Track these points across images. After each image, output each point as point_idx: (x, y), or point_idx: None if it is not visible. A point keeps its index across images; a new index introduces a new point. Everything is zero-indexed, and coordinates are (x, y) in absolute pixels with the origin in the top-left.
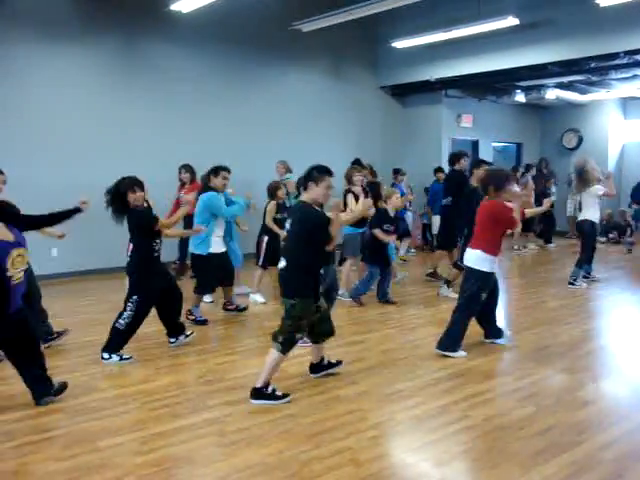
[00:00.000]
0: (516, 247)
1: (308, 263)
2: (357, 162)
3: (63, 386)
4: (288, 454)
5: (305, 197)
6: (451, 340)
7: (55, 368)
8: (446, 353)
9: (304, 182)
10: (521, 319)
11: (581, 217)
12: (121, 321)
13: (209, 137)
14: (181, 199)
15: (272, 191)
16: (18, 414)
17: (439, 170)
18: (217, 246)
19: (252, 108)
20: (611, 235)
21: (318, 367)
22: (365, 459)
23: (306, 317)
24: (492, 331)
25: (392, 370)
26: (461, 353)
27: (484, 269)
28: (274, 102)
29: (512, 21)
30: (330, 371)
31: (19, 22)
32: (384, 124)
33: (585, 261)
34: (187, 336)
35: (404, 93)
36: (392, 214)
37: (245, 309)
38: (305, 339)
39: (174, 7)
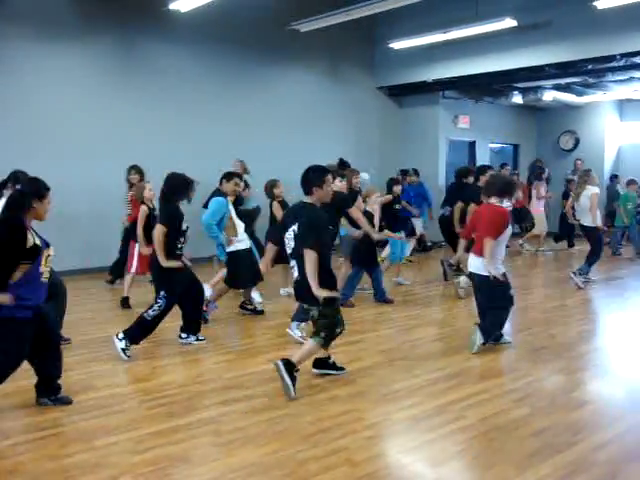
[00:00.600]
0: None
1: (322, 264)
2: (342, 163)
3: (66, 401)
4: (284, 454)
5: (310, 199)
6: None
7: None
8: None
9: (307, 187)
10: (517, 320)
11: (585, 223)
12: (150, 312)
13: (206, 136)
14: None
15: (269, 190)
16: (14, 413)
17: (405, 174)
18: (238, 244)
19: (250, 108)
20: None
21: (322, 363)
22: (361, 459)
23: (338, 311)
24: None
25: (389, 370)
26: (505, 339)
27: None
28: (272, 102)
29: (510, 22)
30: (331, 373)
31: (18, 21)
32: (381, 125)
33: (590, 263)
34: (198, 339)
35: (402, 94)
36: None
37: (262, 312)
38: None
39: (173, 6)
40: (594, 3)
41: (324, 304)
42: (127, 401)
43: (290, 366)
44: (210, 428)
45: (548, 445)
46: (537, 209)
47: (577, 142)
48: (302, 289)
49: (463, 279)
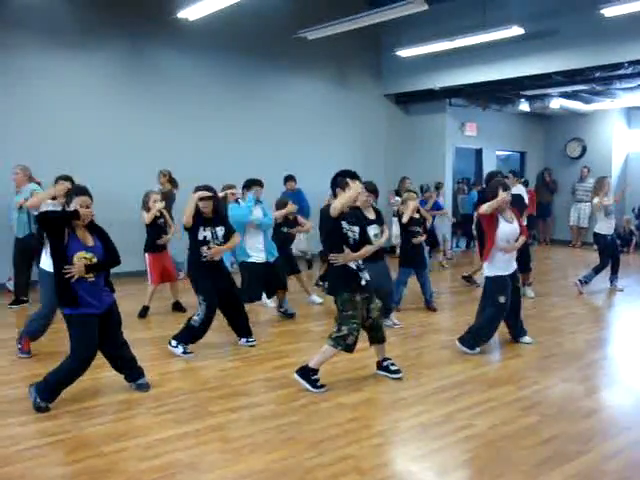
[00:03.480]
0: None
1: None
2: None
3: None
4: (292, 461)
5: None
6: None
7: None
8: (462, 348)
9: (332, 189)
10: (525, 328)
11: (596, 230)
12: (196, 318)
13: (214, 144)
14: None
15: (280, 206)
16: (23, 418)
17: (289, 178)
18: (256, 255)
19: (257, 115)
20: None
21: (379, 365)
22: (368, 467)
23: (352, 307)
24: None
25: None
26: (476, 350)
27: (489, 274)
28: (279, 109)
29: (517, 30)
30: (384, 374)
31: (27, 30)
32: (388, 132)
33: (596, 271)
34: (249, 341)
35: (408, 101)
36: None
37: (292, 315)
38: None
39: (181, 15)
40: (601, 11)
41: (337, 299)
42: (135, 407)
43: (304, 371)
44: (218, 435)
45: (557, 454)
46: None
47: (584, 150)
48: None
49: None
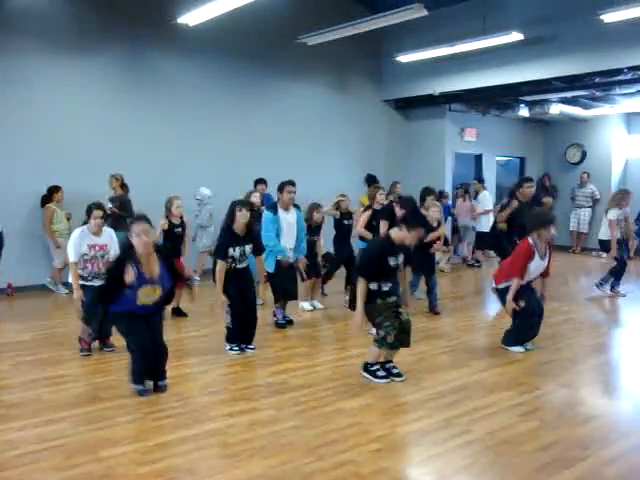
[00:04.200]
0: None
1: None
2: (370, 177)
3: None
4: (291, 466)
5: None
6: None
7: (58, 377)
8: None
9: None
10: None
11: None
12: (227, 320)
13: (214, 148)
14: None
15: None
16: (21, 423)
17: (260, 182)
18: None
19: (257, 120)
20: None
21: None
22: (368, 472)
23: (378, 313)
24: None
25: (395, 383)
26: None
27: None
28: (279, 115)
29: (516, 36)
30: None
31: (25, 33)
32: (388, 137)
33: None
34: (248, 348)
35: (408, 107)
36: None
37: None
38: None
39: (181, 20)
40: (601, 17)
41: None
42: (133, 412)
43: (365, 366)
44: (217, 440)
45: (556, 460)
46: None
47: (584, 155)
48: None
49: None
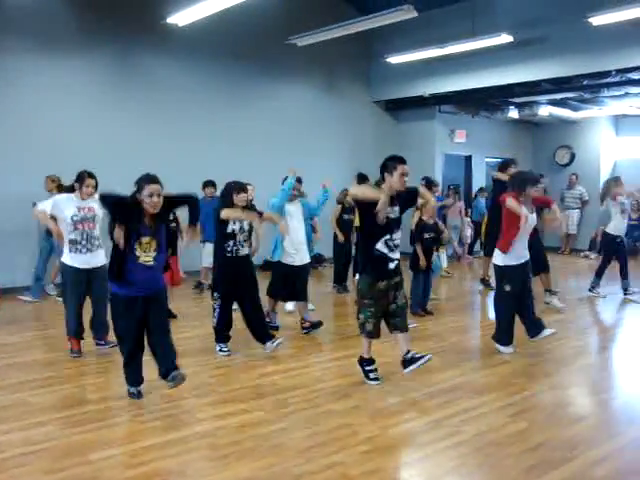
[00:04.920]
0: None
1: (365, 237)
2: (362, 177)
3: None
4: (279, 468)
5: (384, 187)
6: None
7: (45, 379)
8: (496, 345)
9: (380, 174)
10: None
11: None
12: (213, 319)
13: (202, 148)
14: None
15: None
16: (8, 426)
17: (208, 184)
18: (287, 257)
19: (246, 121)
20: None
21: (403, 362)
22: (356, 474)
23: (368, 296)
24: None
25: (384, 384)
26: (508, 349)
27: (498, 263)
28: (268, 115)
29: (506, 38)
30: (415, 367)
31: (15, 33)
32: (378, 139)
33: (597, 272)
34: (273, 342)
35: (398, 108)
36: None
37: (320, 324)
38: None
39: (170, 20)
40: (589, 20)
41: (359, 279)
42: (122, 414)
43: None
44: (205, 442)
45: (545, 461)
46: None
47: (573, 157)
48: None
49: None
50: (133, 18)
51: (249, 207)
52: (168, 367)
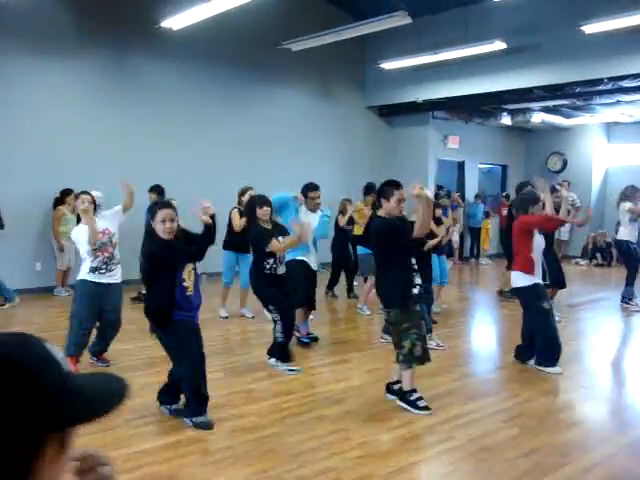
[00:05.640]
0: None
1: (394, 271)
2: (370, 188)
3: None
4: (272, 473)
5: (380, 212)
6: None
7: None
8: (540, 368)
9: (377, 200)
10: (506, 340)
11: (617, 236)
12: (278, 334)
13: (196, 153)
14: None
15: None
16: None
17: (154, 189)
18: (308, 256)
19: (240, 125)
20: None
21: (389, 388)
22: (349, 479)
23: (404, 322)
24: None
25: (377, 390)
26: (556, 369)
27: (526, 284)
28: (262, 120)
29: (499, 45)
30: (396, 401)
31: (8, 36)
32: (371, 144)
33: (630, 283)
34: (286, 366)
35: (391, 114)
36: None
37: (316, 339)
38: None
39: (164, 24)
40: (582, 28)
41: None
42: (113, 419)
43: (403, 395)
44: (198, 447)
45: (537, 466)
46: None
47: (565, 164)
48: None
49: None
50: (128, 22)
51: (274, 223)
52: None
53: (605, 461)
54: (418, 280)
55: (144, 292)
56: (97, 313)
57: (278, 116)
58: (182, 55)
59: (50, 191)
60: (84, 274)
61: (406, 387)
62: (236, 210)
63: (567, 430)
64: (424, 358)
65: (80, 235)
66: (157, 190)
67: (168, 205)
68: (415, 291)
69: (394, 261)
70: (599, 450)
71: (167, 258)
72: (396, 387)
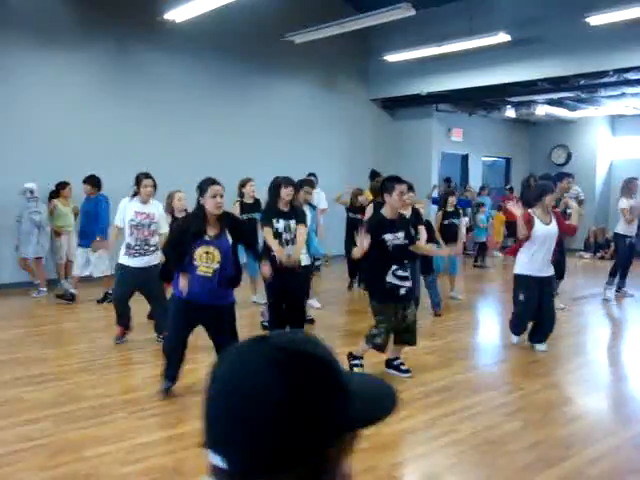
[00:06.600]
0: None
1: (377, 266)
2: (373, 173)
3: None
4: None
5: (385, 208)
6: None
7: (40, 376)
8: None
9: (380, 195)
10: (509, 333)
11: (616, 229)
12: (265, 323)
13: (199, 145)
14: None
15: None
16: (3, 422)
17: (88, 180)
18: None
19: (244, 118)
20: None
21: (389, 364)
22: (353, 472)
23: (378, 314)
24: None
25: None
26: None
27: (514, 271)
28: (265, 112)
29: (503, 37)
30: (395, 373)
31: (12, 28)
32: (375, 137)
33: (612, 273)
34: None
35: (395, 106)
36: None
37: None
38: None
39: (167, 16)
40: (587, 19)
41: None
42: (117, 411)
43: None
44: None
45: (540, 459)
46: None
47: (569, 157)
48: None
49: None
50: (130, 14)
51: (294, 207)
52: None
53: (608, 454)
54: (408, 283)
55: (109, 292)
56: (130, 290)
57: (281, 108)
58: (185, 48)
59: (48, 184)
60: (121, 254)
61: (357, 352)
62: (237, 203)
63: (570, 423)
64: (382, 347)
65: (122, 210)
66: (92, 181)
67: (217, 182)
68: (402, 292)
69: (375, 255)
70: (602, 443)
71: (177, 233)
72: (395, 363)
